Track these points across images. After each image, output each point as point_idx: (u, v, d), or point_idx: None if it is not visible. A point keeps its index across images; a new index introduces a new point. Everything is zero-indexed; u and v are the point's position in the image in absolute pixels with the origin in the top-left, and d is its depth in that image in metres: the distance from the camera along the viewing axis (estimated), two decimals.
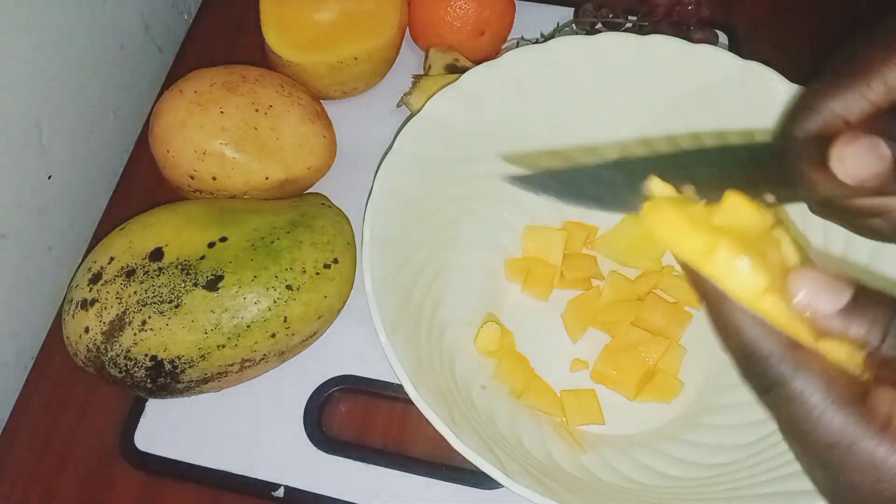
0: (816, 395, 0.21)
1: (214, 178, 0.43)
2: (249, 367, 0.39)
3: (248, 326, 0.37)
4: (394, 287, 0.37)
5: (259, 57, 0.49)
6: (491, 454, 0.33)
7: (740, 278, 0.22)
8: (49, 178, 0.45)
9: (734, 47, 0.55)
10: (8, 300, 0.43)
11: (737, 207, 0.23)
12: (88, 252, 0.45)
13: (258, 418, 0.42)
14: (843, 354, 0.22)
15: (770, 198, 0.27)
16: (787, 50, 0.54)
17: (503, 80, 0.42)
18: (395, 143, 0.39)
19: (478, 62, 0.43)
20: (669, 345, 0.42)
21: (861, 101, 0.27)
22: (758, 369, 0.22)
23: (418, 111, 0.40)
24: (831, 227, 0.31)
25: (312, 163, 0.45)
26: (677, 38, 0.41)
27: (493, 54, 0.50)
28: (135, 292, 0.37)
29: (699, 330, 0.43)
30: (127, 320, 0.36)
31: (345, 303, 0.42)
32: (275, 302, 0.38)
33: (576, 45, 0.42)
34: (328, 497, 0.40)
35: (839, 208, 0.29)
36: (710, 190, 0.24)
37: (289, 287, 0.38)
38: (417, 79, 0.49)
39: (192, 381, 0.38)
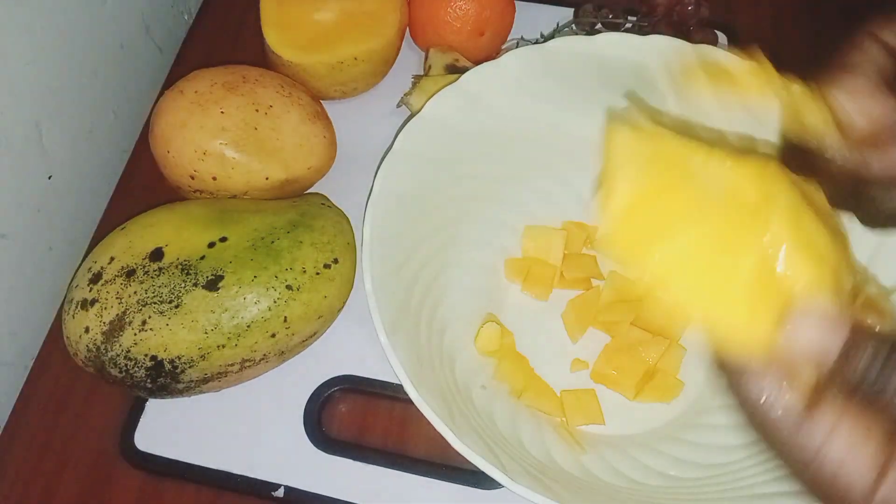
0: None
1: (214, 178, 0.43)
2: (249, 367, 0.39)
3: (248, 326, 0.37)
4: (394, 287, 0.37)
5: (259, 57, 0.49)
6: (491, 454, 0.33)
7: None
8: (49, 178, 0.45)
9: (734, 47, 0.55)
10: (8, 300, 0.43)
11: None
12: (88, 252, 0.45)
13: (258, 418, 0.42)
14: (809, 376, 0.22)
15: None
16: (787, 50, 0.54)
17: (503, 81, 0.42)
18: (395, 143, 0.39)
19: (478, 62, 0.43)
20: (669, 345, 0.42)
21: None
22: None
23: (418, 111, 0.40)
24: None
25: (312, 163, 0.45)
26: (677, 39, 0.41)
27: (493, 54, 0.50)
28: (135, 292, 0.37)
29: (699, 330, 0.43)
30: (127, 320, 0.36)
31: (345, 303, 0.42)
32: (275, 302, 0.38)
33: (576, 46, 0.42)
34: (328, 497, 0.40)
35: (860, 186, 0.29)
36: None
37: (289, 287, 0.38)
38: (417, 79, 0.49)
39: (192, 381, 0.38)
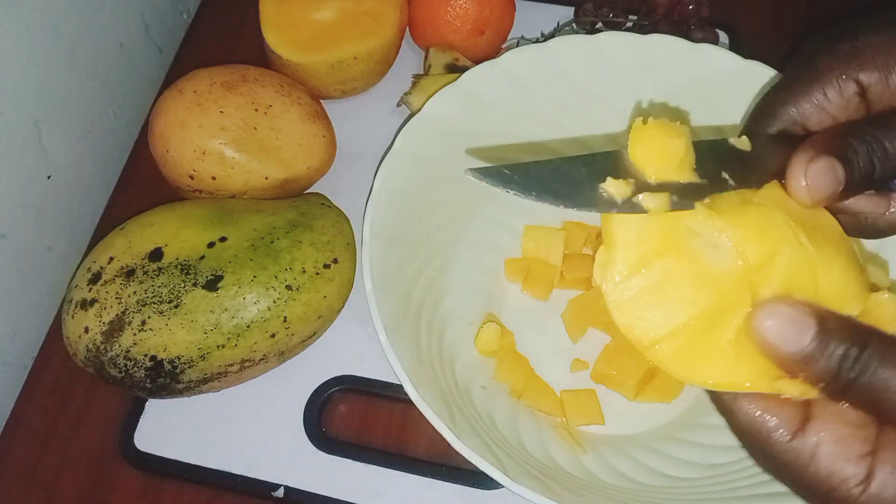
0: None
1: (214, 178, 0.43)
2: (249, 367, 0.39)
3: (247, 326, 0.37)
4: (394, 287, 0.37)
5: (259, 57, 0.49)
6: (491, 454, 0.33)
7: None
8: (49, 177, 0.45)
9: (734, 46, 0.55)
10: (8, 300, 0.43)
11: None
12: (88, 252, 0.45)
13: (258, 418, 0.42)
14: (797, 390, 0.23)
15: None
16: (786, 49, 0.54)
17: (503, 80, 0.42)
18: (395, 142, 0.39)
19: (478, 62, 0.43)
20: None
21: (818, 112, 0.28)
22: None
23: (418, 111, 0.40)
24: None
25: (312, 162, 0.45)
26: (678, 38, 0.41)
27: (494, 54, 0.50)
28: (134, 292, 0.37)
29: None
30: (126, 320, 0.36)
31: (345, 303, 0.42)
32: (274, 302, 0.38)
33: (576, 45, 0.42)
34: (328, 497, 0.40)
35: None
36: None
37: (288, 287, 0.38)
38: (417, 78, 0.49)
39: (191, 381, 0.38)
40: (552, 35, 0.54)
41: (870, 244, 0.38)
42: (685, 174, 0.25)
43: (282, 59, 0.47)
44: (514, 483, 0.31)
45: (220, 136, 0.42)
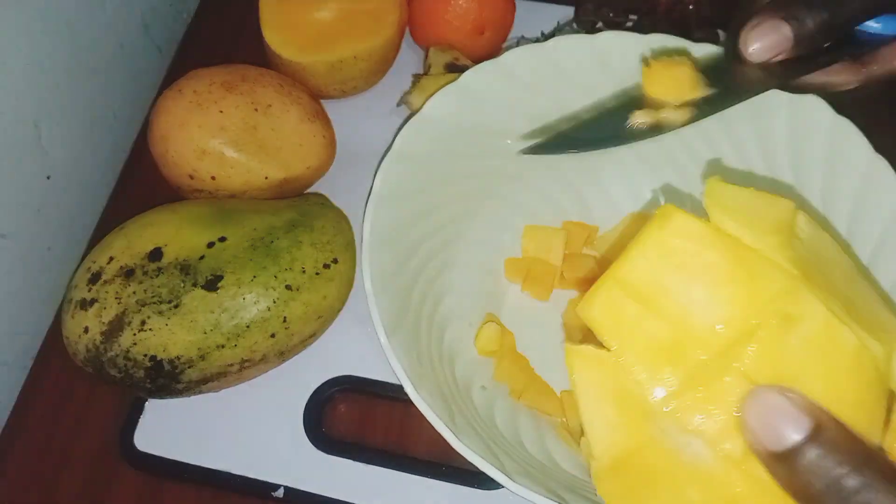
0: None
1: (213, 178, 0.43)
2: (249, 367, 0.39)
3: (247, 326, 0.37)
4: (394, 287, 0.37)
5: (259, 57, 0.49)
6: (491, 454, 0.33)
7: None
8: (48, 178, 0.45)
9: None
10: (8, 300, 0.43)
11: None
12: (88, 252, 0.45)
13: (258, 418, 0.42)
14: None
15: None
16: None
17: (503, 79, 0.42)
18: (395, 142, 0.39)
19: (478, 61, 0.42)
20: None
21: None
22: None
23: (418, 110, 0.40)
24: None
25: (312, 162, 0.45)
26: (678, 37, 0.41)
27: (494, 53, 0.50)
28: (134, 292, 0.37)
29: None
30: (126, 320, 0.36)
31: (344, 303, 0.42)
32: (274, 302, 0.38)
33: (576, 44, 0.41)
34: (328, 497, 0.40)
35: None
36: None
37: (288, 287, 0.38)
38: (417, 78, 0.49)
39: (191, 381, 0.38)
40: (552, 35, 0.54)
41: (870, 246, 0.38)
42: (700, 90, 0.31)
43: (281, 58, 0.47)
44: (514, 483, 0.31)
45: (219, 135, 0.42)
